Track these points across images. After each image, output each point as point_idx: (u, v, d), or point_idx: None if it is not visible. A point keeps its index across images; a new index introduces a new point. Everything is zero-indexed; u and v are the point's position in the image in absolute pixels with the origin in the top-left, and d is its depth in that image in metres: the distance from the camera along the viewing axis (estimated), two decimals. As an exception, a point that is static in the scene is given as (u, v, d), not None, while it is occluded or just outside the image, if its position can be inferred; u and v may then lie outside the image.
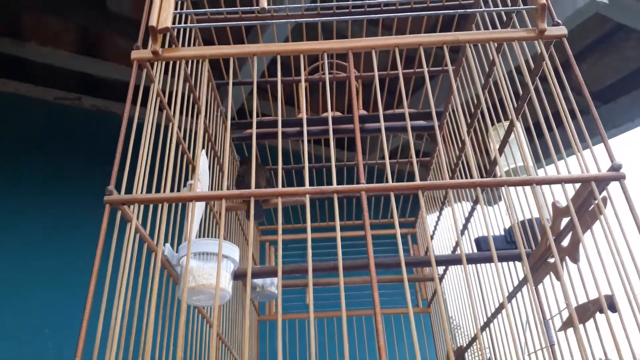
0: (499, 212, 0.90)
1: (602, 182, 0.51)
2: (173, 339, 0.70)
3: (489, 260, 0.81)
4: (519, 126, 0.90)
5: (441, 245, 1.33)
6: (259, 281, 1.31)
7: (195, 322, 0.86)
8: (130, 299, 0.51)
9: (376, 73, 0.59)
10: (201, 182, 0.82)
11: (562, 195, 0.65)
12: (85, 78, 2.03)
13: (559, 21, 0.60)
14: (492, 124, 0.89)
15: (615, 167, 0.50)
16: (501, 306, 0.88)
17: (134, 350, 0.51)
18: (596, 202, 0.53)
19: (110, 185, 0.51)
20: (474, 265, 0.94)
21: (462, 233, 1.06)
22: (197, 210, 0.77)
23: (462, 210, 1.05)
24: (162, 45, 0.65)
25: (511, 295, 0.82)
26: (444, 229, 1.27)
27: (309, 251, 0.51)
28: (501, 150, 0.84)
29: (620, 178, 0.50)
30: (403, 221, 1.66)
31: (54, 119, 1.99)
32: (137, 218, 0.55)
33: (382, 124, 0.59)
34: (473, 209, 0.99)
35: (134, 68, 0.59)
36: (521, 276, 0.79)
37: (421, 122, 1.25)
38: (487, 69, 0.85)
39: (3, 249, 1.70)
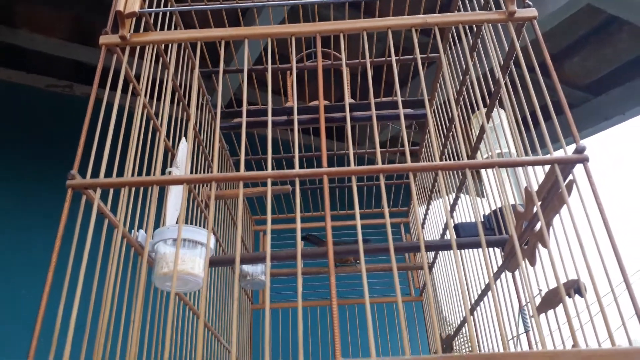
0: (474, 201, 0.90)
1: (567, 164, 0.50)
2: (157, 328, 0.71)
3: (469, 246, 0.81)
4: (501, 113, 0.89)
5: (431, 234, 1.33)
6: (249, 270, 1.31)
7: (180, 311, 0.86)
8: (98, 284, 0.51)
9: (368, 61, 0.59)
10: (179, 169, 0.83)
11: (534, 178, 0.65)
12: (77, 66, 2.03)
13: (530, 3, 0.59)
14: (473, 111, 0.88)
15: (579, 150, 0.50)
16: (483, 292, 0.88)
17: (114, 336, 0.52)
18: (565, 183, 0.53)
19: (74, 169, 0.51)
20: (459, 251, 0.94)
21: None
22: (174, 196, 0.77)
23: (447, 200, 1.05)
24: (142, 30, 0.65)
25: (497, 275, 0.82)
26: (432, 218, 1.27)
27: (298, 238, 0.51)
28: (480, 136, 0.84)
29: (584, 160, 0.49)
30: (396, 211, 1.65)
31: (45, 106, 2.00)
32: (120, 204, 0.55)
33: (373, 105, 0.58)
34: (457, 197, 0.99)
35: (102, 52, 0.59)
36: (500, 262, 0.78)
37: (409, 110, 1.25)
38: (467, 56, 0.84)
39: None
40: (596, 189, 0.47)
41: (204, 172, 1.05)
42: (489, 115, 0.80)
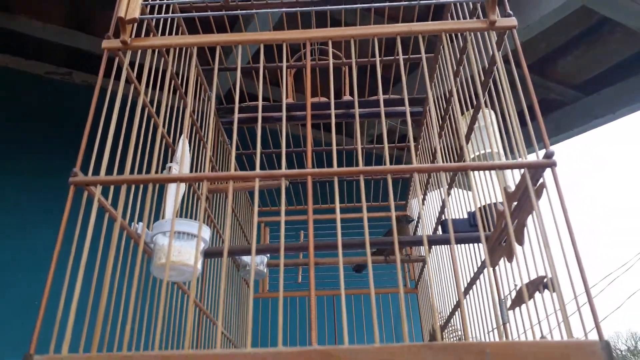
0: (467, 196, 0.93)
1: (537, 169, 0.53)
2: (156, 313, 0.75)
3: (455, 241, 0.84)
4: (487, 114, 0.92)
5: (428, 226, 1.36)
6: (248, 260, 1.35)
7: (176, 300, 0.90)
8: (99, 273, 0.55)
9: (354, 62, 0.62)
10: (181, 165, 0.86)
11: (510, 179, 0.68)
12: (76, 53, 2.03)
13: (511, 12, 0.62)
14: (462, 112, 0.91)
15: (548, 155, 0.53)
16: (469, 286, 0.91)
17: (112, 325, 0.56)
18: (536, 187, 0.56)
19: (76, 167, 0.55)
20: (447, 246, 0.98)
21: (440, 216, 1.09)
22: (173, 191, 0.81)
23: (437, 197, 1.08)
24: (147, 34, 0.68)
25: (475, 276, 0.86)
26: (427, 210, 1.30)
27: (282, 232, 0.55)
28: (468, 136, 0.87)
29: (552, 165, 0.52)
30: (395, 204, 1.68)
31: (43, 94, 2.02)
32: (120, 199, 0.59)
33: (381, 99, 0.62)
34: (448, 193, 1.02)
35: (104, 56, 0.63)
36: (483, 257, 0.82)
37: (402, 108, 1.28)
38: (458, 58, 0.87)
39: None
40: (562, 192, 0.51)
41: (204, 166, 1.09)
42: (474, 117, 0.83)
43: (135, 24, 0.65)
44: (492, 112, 0.95)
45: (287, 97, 1.25)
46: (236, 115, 0.62)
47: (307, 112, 0.58)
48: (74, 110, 2.01)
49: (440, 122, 1.06)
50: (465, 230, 0.82)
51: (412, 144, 0.57)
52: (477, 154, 0.93)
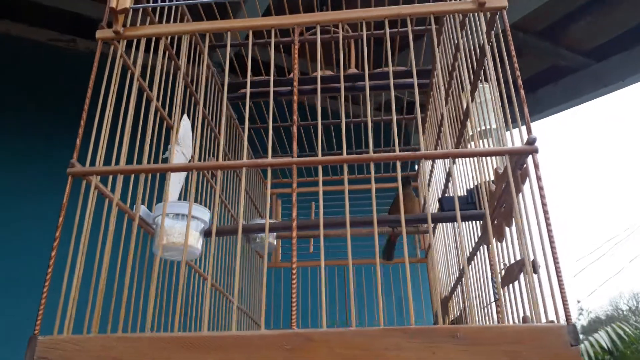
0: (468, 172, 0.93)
1: (521, 154, 0.54)
2: (167, 291, 0.79)
3: (452, 219, 0.86)
4: (486, 90, 0.91)
5: (435, 196, 1.37)
6: (258, 233, 1.39)
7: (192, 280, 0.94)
8: (110, 261, 0.59)
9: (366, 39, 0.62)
10: (183, 146, 0.89)
11: (493, 164, 0.69)
12: (80, 20, 2.00)
13: (501, -8, 0.61)
14: (462, 89, 0.90)
15: (530, 141, 0.53)
16: (468, 261, 0.92)
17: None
18: (521, 171, 0.57)
19: (74, 158, 0.58)
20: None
21: (444, 192, 1.10)
22: (175, 175, 0.84)
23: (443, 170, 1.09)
24: (144, 22, 0.70)
25: (473, 253, 0.87)
26: (434, 182, 1.31)
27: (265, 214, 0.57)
28: (467, 113, 0.87)
29: (533, 152, 0.53)
30: (404, 175, 1.69)
31: (47, 61, 2.01)
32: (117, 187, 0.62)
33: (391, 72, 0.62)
34: (448, 174, 1.02)
35: (98, 46, 0.64)
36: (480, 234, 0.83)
37: (410, 80, 1.27)
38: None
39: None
40: (541, 178, 0.51)
41: (211, 144, 1.11)
42: (472, 95, 0.82)
43: (130, 15, 0.67)
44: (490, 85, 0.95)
45: (290, 73, 1.25)
46: (226, 104, 0.63)
47: (293, 97, 0.59)
48: (77, 78, 2.01)
49: (445, 95, 1.05)
50: (462, 208, 0.83)
51: (420, 132, 0.58)
52: (478, 129, 0.92)
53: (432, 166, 1.29)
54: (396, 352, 0.46)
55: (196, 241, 0.74)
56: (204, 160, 1.09)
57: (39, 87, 1.98)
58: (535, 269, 0.65)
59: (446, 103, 1.02)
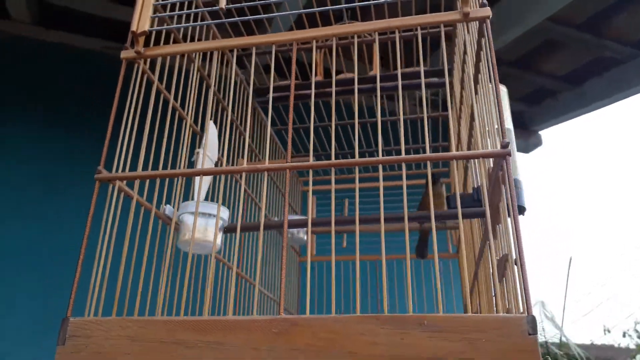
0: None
1: (498, 158, 0.58)
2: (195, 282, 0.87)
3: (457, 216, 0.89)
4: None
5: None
6: (291, 229, 1.46)
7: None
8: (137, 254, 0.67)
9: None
10: (209, 151, 0.97)
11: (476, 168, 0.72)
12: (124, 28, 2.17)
13: (485, 2, 0.65)
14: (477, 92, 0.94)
15: (503, 145, 0.57)
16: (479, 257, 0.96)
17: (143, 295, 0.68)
18: (502, 173, 0.61)
19: (100, 165, 0.66)
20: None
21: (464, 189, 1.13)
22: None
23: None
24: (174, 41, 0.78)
25: (481, 249, 0.90)
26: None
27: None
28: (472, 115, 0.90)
29: (506, 155, 0.56)
30: (437, 171, 1.72)
31: (102, 69, 2.18)
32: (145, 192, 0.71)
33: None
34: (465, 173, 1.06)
35: (123, 66, 0.73)
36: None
37: (435, 79, 1.30)
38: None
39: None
40: (511, 179, 0.55)
41: (237, 146, 1.19)
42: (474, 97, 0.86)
43: (153, 36, 0.75)
44: (504, 87, 0.97)
45: (316, 75, 1.31)
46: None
47: (289, 108, 0.65)
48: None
49: (459, 96, 1.08)
50: (468, 205, 0.86)
51: (452, 141, 0.63)
52: (487, 128, 0.95)
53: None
54: (370, 337, 0.51)
55: (216, 237, 0.82)
56: (233, 162, 1.17)
57: (99, 95, 2.15)
58: (517, 264, 0.68)
59: (460, 104, 1.05)
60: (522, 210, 0.84)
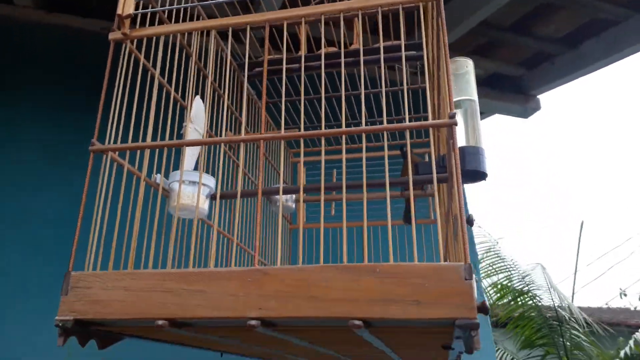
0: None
1: (443, 127, 0.65)
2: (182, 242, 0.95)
3: (426, 181, 0.97)
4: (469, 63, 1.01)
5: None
6: (278, 197, 1.54)
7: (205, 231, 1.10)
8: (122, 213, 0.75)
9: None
10: (196, 124, 1.04)
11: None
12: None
13: (440, -15, 0.71)
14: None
15: (451, 116, 0.64)
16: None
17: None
18: (451, 141, 0.68)
19: (94, 137, 0.74)
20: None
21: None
22: (191, 149, 0.99)
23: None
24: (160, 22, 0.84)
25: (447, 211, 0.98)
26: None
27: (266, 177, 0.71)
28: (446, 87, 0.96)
29: (452, 124, 0.64)
30: (420, 142, 1.79)
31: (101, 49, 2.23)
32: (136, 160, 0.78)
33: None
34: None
35: (111, 47, 0.79)
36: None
37: (412, 52, 1.36)
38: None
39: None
40: (456, 147, 0.62)
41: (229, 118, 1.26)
42: (437, 71, 0.92)
43: (139, 18, 0.81)
44: (470, 60, 1.03)
45: (299, 51, 1.37)
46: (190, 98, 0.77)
47: (263, 82, 0.72)
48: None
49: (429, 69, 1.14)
50: (430, 173, 0.94)
51: (429, 112, 0.70)
52: (456, 99, 1.02)
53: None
54: (329, 282, 0.59)
55: (203, 203, 0.90)
56: (222, 134, 1.24)
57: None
58: (470, 222, 0.76)
59: (430, 77, 1.12)
60: (483, 176, 0.92)
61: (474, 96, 0.99)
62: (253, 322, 0.58)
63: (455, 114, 0.64)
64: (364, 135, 0.68)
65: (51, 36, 2.22)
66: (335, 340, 0.76)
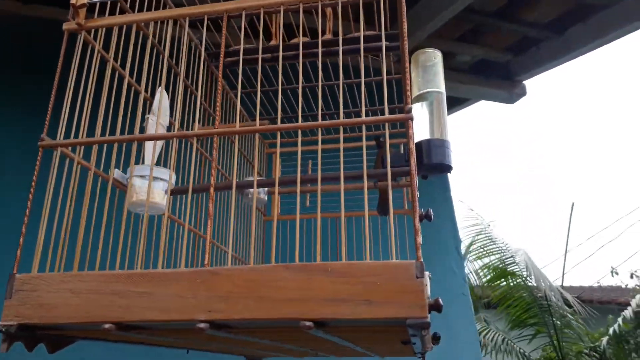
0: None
1: (398, 122, 0.63)
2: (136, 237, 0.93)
3: (397, 174, 0.96)
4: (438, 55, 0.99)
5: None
6: (250, 189, 1.52)
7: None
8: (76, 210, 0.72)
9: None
10: (159, 116, 1.01)
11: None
12: None
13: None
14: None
15: (407, 110, 0.62)
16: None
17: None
18: (410, 137, 0.66)
19: (44, 132, 0.71)
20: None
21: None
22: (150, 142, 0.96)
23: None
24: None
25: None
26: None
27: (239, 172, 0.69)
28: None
29: (409, 119, 0.62)
30: (395, 132, 1.78)
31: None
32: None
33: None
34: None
35: (64, 37, 0.76)
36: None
37: (387, 43, 1.34)
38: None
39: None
40: (412, 141, 0.61)
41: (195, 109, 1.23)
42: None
43: (97, 7, 0.78)
44: (438, 52, 1.02)
45: (272, 39, 1.34)
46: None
47: (219, 78, 0.69)
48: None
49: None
50: (399, 165, 0.93)
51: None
52: (419, 92, 1.00)
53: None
54: (282, 282, 0.58)
55: (161, 198, 0.88)
56: (188, 127, 1.21)
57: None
58: (428, 217, 0.75)
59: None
60: (448, 168, 0.91)
61: (442, 88, 0.97)
62: (202, 325, 0.57)
63: (411, 108, 0.62)
64: (341, 129, 0.67)
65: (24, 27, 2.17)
66: (294, 338, 0.75)
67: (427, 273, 0.56)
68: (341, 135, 0.68)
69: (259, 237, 1.76)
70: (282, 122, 1.70)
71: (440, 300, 0.57)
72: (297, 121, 0.68)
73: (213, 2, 0.78)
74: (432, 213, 0.83)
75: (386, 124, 0.64)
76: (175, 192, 0.94)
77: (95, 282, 0.61)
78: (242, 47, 0.83)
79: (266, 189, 1.52)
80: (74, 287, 0.61)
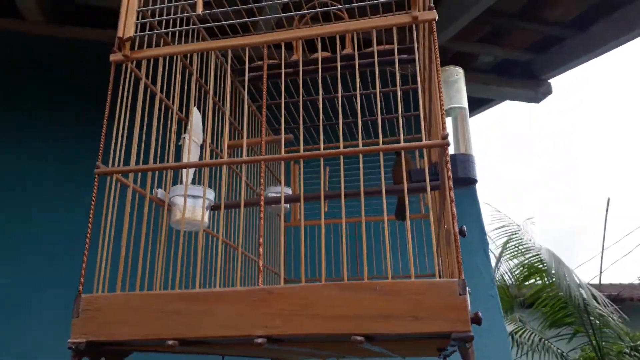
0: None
1: (437, 147, 0.68)
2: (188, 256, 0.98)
3: (419, 190, 1.00)
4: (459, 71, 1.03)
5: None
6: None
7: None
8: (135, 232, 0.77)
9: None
10: (194, 136, 1.06)
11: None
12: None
13: (432, 6, 0.73)
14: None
15: (443, 137, 0.67)
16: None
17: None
18: (444, 161, 0.71)
19: (98, 160, 0.76)
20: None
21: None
22: (192, 156, 1.01)
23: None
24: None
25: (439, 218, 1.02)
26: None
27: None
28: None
29: (445, 145, 0.67)
30: (411, 137, 1.82)
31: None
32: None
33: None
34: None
35: (112, 68, 0.81)
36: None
37: (404, 56, 1.39)
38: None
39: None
40: (449, 167, 0.65)
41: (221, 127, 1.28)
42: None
43: (137, 41, 0.83)
44: (460, 69, 1.06)
45: (294, 55, 1.39)
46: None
47: (263, 90, 0.74)
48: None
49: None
50: (422, 180, 0.97)
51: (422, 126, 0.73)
52: (447, 107, 1.05)
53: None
54: (332, 300, 0.63)
55: (204, 215, 0.92)
56: (217, 141, 1.26)
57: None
58: (462, 233, 0.80)
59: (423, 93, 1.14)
60: (473, 181, 0.95)
61: (464, 103, 1.02)
62: (260, 340, 0.61)
63: (447, 134, 0.67)
64: (360, 156, 0.71)
65: (61, 49, 2.23)
66: (335, 348, 0.80)
67: (467, 289, 0.61)
68: (360, 161, 0.72)
69: (280, 240, 1.80)
70: (305, 131, 1.73)
71: (479, 313, 0.62)
72: (318, 136, 0.72)
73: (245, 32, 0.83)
74: (465, 229, 0.87)
75: (424, 151, 0.68)
76: (214, 209, 0.99)
77: (157, 302, 0.66)
78: (265, 70, 0.87)
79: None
80: (137, 306, 0.66)
